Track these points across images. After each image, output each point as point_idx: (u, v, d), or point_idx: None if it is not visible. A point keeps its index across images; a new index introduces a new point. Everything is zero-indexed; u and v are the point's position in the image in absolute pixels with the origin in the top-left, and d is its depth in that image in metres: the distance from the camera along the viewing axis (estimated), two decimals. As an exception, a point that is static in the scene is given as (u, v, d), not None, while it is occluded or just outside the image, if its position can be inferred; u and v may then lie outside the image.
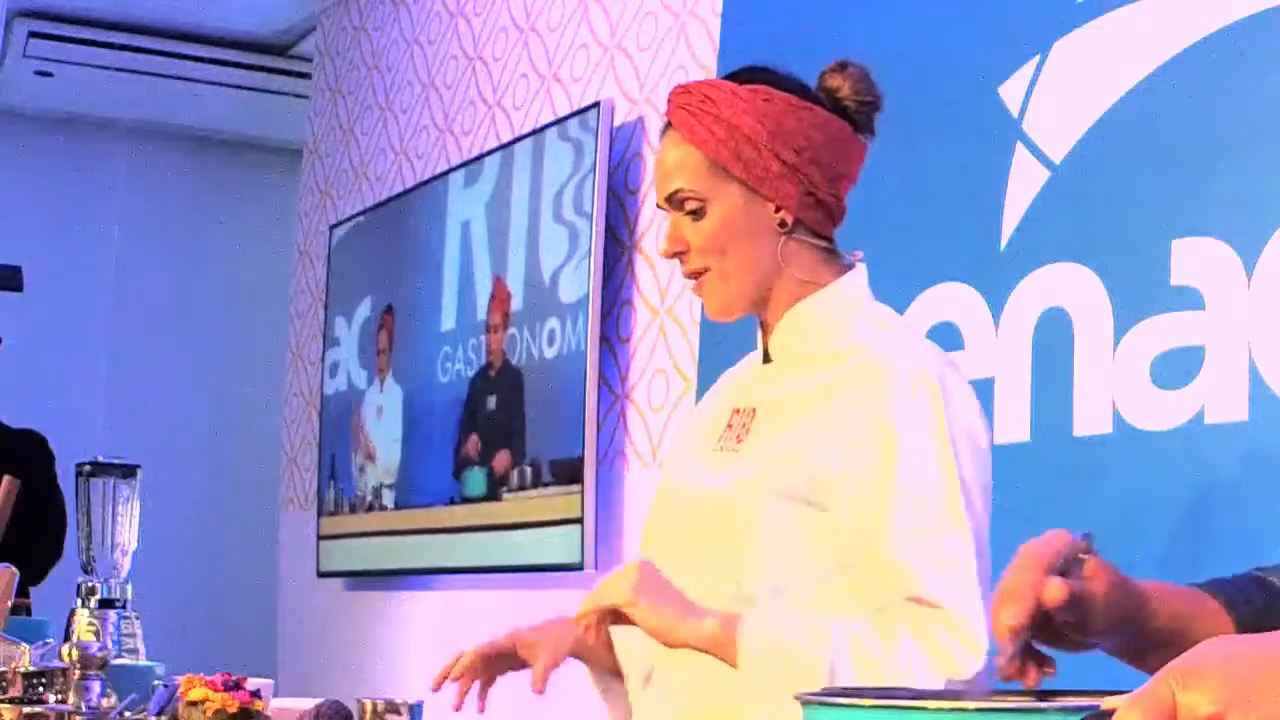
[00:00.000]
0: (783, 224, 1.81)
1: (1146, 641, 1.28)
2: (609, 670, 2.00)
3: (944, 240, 2.94)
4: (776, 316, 1.85)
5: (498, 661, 2.00)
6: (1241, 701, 0.82)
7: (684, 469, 1.90)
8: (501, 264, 4.61)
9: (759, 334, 1.90)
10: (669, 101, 1.87)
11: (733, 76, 1.86)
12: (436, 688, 1.98)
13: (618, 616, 1.72)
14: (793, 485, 1.73)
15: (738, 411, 1.86)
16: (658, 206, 1.88)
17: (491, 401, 4.59)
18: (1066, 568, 1.22)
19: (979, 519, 1.69)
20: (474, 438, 4.65)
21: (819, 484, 1.71)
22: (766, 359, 1.88)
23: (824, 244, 1.84)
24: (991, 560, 1.72)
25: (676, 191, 1.82)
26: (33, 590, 3.98)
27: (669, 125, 1.86)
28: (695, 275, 1.85)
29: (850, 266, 1.87)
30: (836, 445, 1.72)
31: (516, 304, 4.50)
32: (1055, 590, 1.20)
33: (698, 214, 1.82)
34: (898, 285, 3.01)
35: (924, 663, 1.62)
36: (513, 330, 4.50)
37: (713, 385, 2.04)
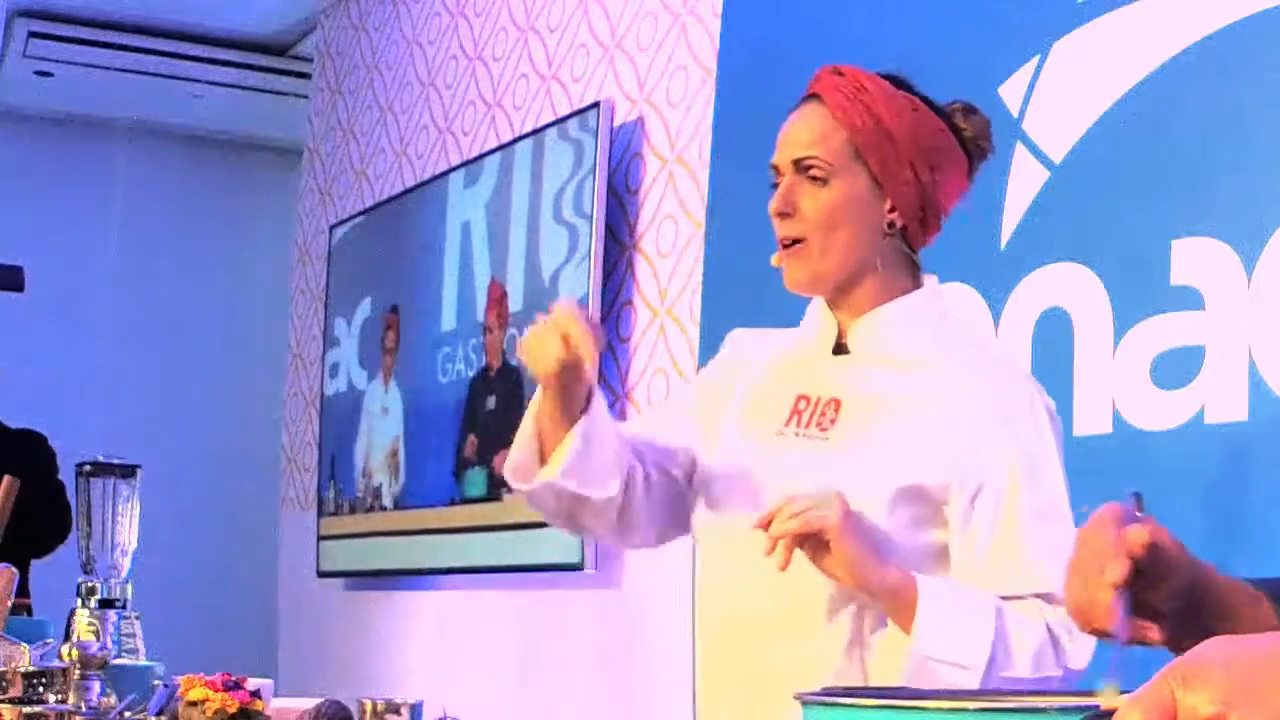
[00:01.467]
0: (890, 225, 1.87)
1: (1210, 611, 1.27)
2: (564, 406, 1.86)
3: (944, 240, 2.93)
4: (859, 311, 1.89)
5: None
6: (1243, 702, 0.82)
7: (749, 450, 1.90)
8: (501, 264, 4.61)
9: (822, 323, 1.92)
10: (819, 78, 1.91)
11: (889, 75, 1.92)
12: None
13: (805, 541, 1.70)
14: (919, 479, 1.78)
15: (805, 398, 1.88)
16: (772, 166, 1.92)
17: (491, 402, 4.59)
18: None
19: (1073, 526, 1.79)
20: (474, 438, 4.65)
21: (943, 481, 1.78)
22: (839, 350, 1.91)
23: (913, 256, 1.91)
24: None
25: (809, 158, 1.87)
26: (33, 591, 3.98)
27: (815, 98, 1.89)
28: (792, 241, 1.89)
29: (922, 283, 1.94)
30: (964, 445, 1.78)
31: (515, 304, 4.50)
32: (1137, 535, 1.19)
33: (821, 182, 1.86)
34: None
35: (1055, 653, 1.72)
36: (512, 330, 4.50)
37: (736, 347, 2.01)
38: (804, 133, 1.88)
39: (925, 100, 1.91)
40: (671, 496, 1.96)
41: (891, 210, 1.86)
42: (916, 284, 1.92)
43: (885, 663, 1.76)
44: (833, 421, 1.85)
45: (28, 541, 3.92)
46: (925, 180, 1.86)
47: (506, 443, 2.06)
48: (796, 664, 1.77)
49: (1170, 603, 1.22)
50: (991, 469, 1.78)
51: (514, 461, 1.95)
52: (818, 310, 1.94)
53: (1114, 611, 1.15)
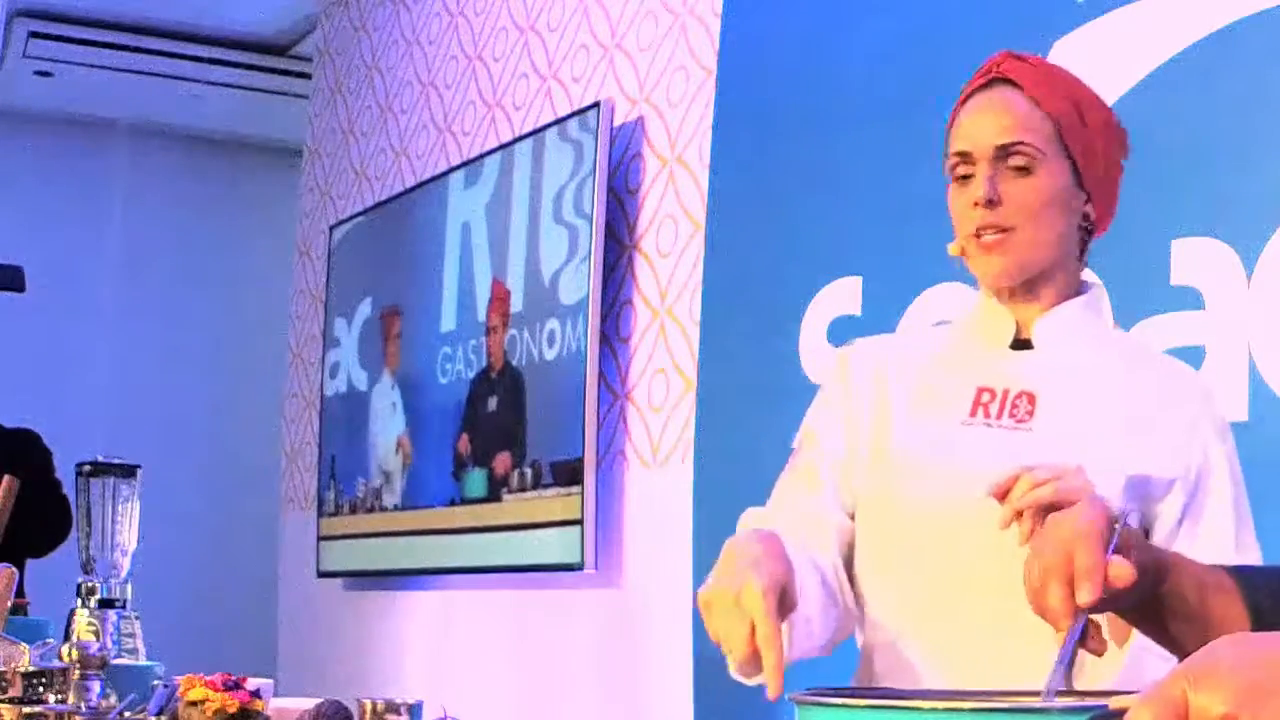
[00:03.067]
0: (1085, 218, 1.84)
1: (1166, 611, 1.27)
2: None
3: (944, 240, 2.93)
4: (1047, 304, 1.84)
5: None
6: (1254, 703, 0.82)
7: (933, 440, 1.81)
8: (502, 265, 4.61)
9: (992, 318, 1.85)
10: (1001, 63, 1.83)
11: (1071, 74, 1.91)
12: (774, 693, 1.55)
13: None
14: (1144, 470, 1.75)
15: (989, 391, 1.81)
16: (957, 154, 1.83)
17: (492, 402, 4.59)
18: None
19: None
20: (474, 439, 4.66)
21: (1168, 476, 1.77)
22: (1019, 345, 1.84)
23: (1083, 253, 1.88)
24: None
25: (1017, 143, 1.78)
26: (32, 591, 3.98)
27: (1005, 83, 1.82)
28: (996, 230, 1.81)
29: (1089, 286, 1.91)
30: (1184, 445, 1.78)
31: (516, 304, 4.50)
32: (1122, 573, 1.18)
33: (1026, 170, 1.79)
34: (898, 285, 3.01)
35: None
36: (513, 331, 4.50)
37: (869, 358, 1.93)
38: (1005, 117, 1.79)
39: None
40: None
41: (1087, 203, 1.83)
42: (1084, 286, 1.88)
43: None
44: (1029, 414, 1.78)
45: (26, 542, 3.92)
46: (1116, 179, 1.85)
47: (507, 444, 2.06)
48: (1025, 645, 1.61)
49: (1128, 609, 1.23)
50: (1210, 470, 1.79)
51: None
52: (984, 304, 1.87)
53: (1072, 626, 1.15)
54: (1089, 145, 1.80)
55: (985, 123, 1.80)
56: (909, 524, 1.81)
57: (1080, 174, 1.80)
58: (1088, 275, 1.88)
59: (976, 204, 1.80)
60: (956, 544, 1.74)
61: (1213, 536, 1.77)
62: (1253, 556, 1.77)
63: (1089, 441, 1.75)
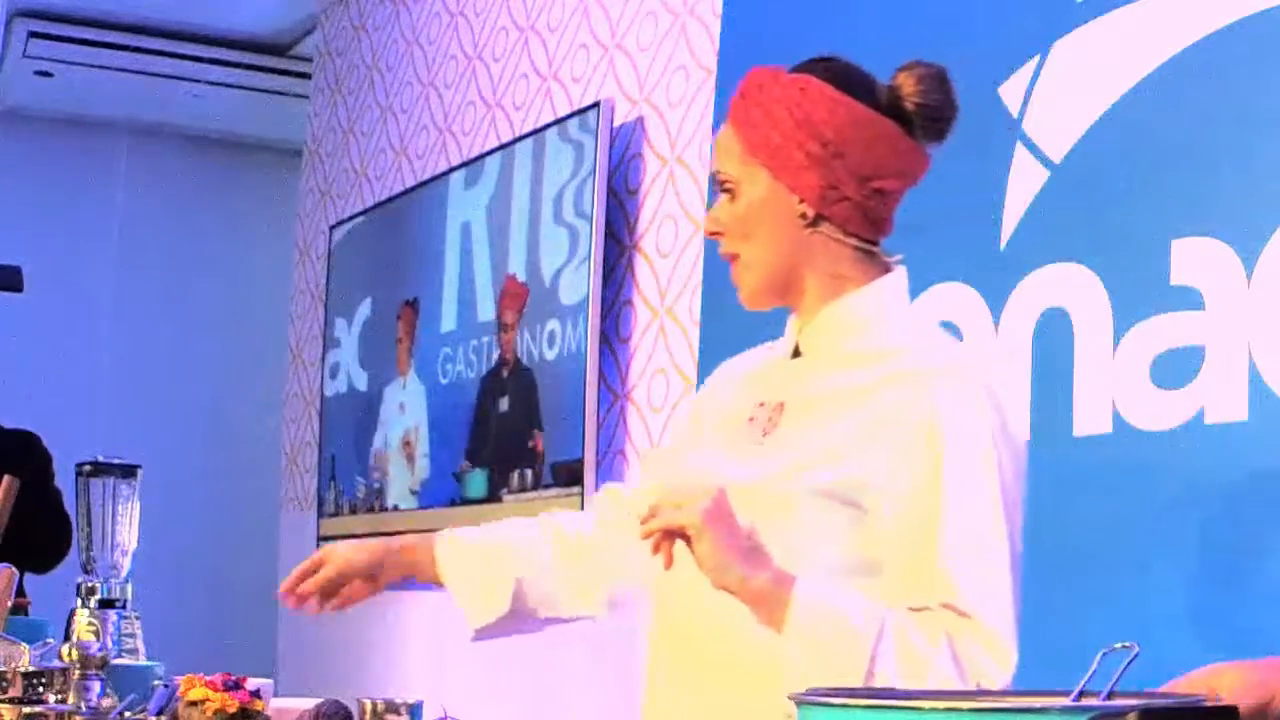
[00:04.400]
0: (803, 216, 1.79)
1: None
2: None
3: (944, 240, 2.94)
4: (808, 311, 1.83)
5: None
6: None
7: (704, 460, 1.85)
8: (502, 265, 4.61)
9: (788, 329, 1.88)
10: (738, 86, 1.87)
11: (799, 65, 1.84)
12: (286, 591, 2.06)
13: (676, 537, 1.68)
14: (831, 482, 1.70)
15: (761, 405, 1.83)
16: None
17: (503, 402, 4.59)
18: None
19: (1015, 531, 1.68)
20: (476, 439, 4.66)
21: (858, 484, 1.69)
22: (796, 353, 1.86)
23: (856, 243, 1.80)
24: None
25: (717, 173, 1.83)
26: (33, 590, 3.98)
27: (729, 114, 1.86)
28: (728, 259, 1.85)
29: (889, 269, 1.84)
30: (881, 447, 1.70)
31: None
32: None
33: (731, 196, 1.81)
34: (897, 285, 3.01)
35: (957, 669, 1.61)
36: (523, 328, 4.51)
37: (715, 375, 2.02)
38: (717, 147, 1.84)
39: (835, 72, 1.81)
40: None
41: (800, 201, 1.78)
42: (877, 270, 1.82)
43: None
44: (775, 425, 1.79)
45: (26, 555, 3.91)
46: (822, 157, 1.76)
47: (518, 442, 2.15)
48: (743, 664, 1.73)
49: None
50: (911, 473, 1.69)
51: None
52: (789, 317, 1.90)
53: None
54: (776, 143, 1.78)
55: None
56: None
57: (778, 177, 1.78)
58: (894, 263, 1.84)
59: (706, 234, 1.88)
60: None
61: (893, 550, 1.70)
62: (950, 575, 1.66)
63: (789, 453, 1.75)
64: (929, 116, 1.80)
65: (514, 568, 2.08)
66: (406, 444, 5.12)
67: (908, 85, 1.79)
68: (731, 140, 1.82)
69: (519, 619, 2.12)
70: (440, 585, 2.13)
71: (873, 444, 1.70)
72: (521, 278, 4.50)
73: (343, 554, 2.07)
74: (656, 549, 1.67)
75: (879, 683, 1.58)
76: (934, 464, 1.67)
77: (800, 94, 1.77)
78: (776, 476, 1.73)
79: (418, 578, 2.13)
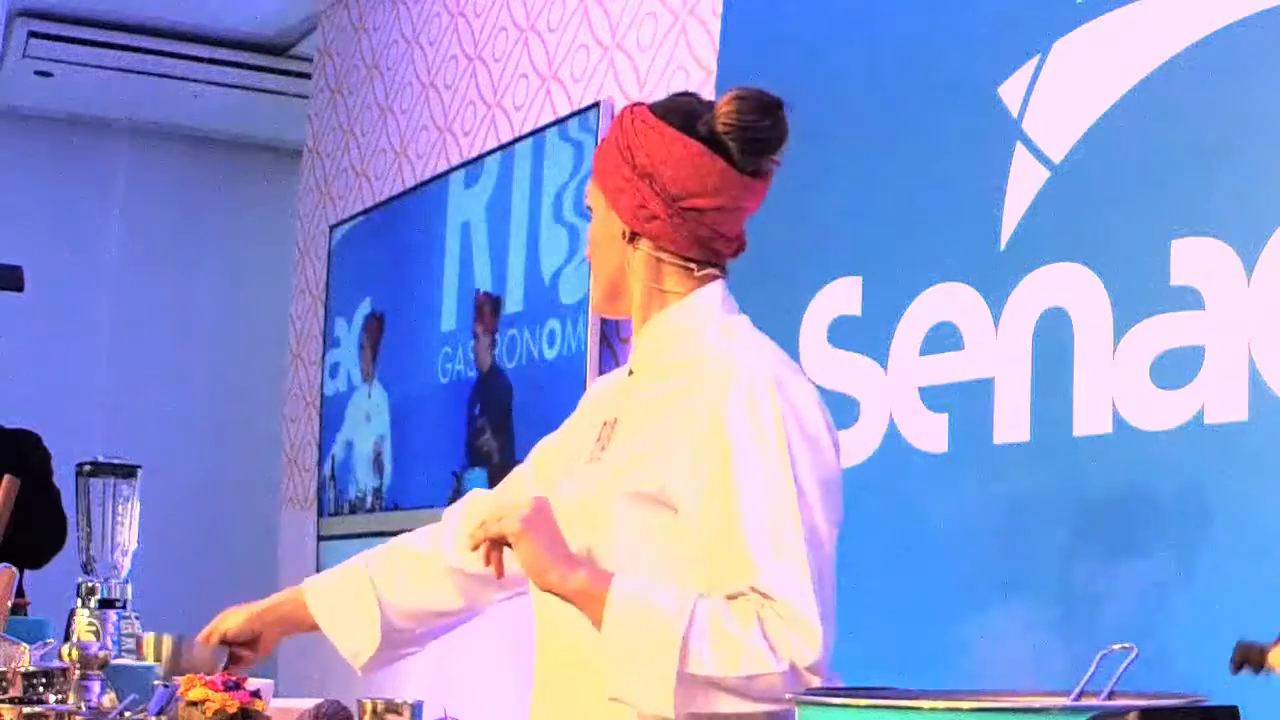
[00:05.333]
0: (623, 233, 1.93)
1: None
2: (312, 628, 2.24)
3: (944, 240, 2.94)
4: (638, 328, 1.97)
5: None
6: None
7: (560, 482, 1.99)
8: (501, 265, 4.61)
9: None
10: None
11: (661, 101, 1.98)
12: None
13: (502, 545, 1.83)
14: (642, 486, 1.82)
15: (606, 424, 1.96)
16: None
17: (490, 403, 4.59)
18: None
19: (814, 514, 1.76)
20: (475, 438, 4.66)
21: (666, 485, 1.81)
22: (631, 371, 1.99)
23: (672, 259, 1.92)
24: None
25: (584, 196, 2.02)
26: (33, 590, 3.98)
27: None
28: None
29: (706, 283, 1.95)
30: (681, 448, 1.81)
31: (515, 305, 4.51)
32: None
33: (589, 216, 1.99)
34: (898, 285, 3.01)
35: (769, 646, 1.69)
36: (512, 331, 4.51)
37: (582, 400, 2.14)
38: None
39: (668, 104, 1.94)
40: None
41: (620, 219, 1.93)
42: (699, 284, 1.94)
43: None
44: (610, 441, 1.93)
45: (22, 551, 3.91)
46: (631, 178, 1.90)
47: (506, 444, 2.23)
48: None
49: None
50: (708, 469, 1.79)
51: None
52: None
53: None
54: (605, 166, 1.94)
55: None
56: None
57: (606, 198, 1.94)
58: (709, 280, 1.95)
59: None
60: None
61: (702, 544, 1.79)
62: (754, 559, 1.74)
63: (608, 464, 1.88)
64: (744, 138, 1.90)
65: (374, 599, 2.24)
66: (377, 454, 5.15)
67: (721, 109, 1.91)
68: (592, 168, 2.00)
69: (395, 645, 2.31)
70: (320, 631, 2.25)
71: (674, 447, 1.81)
72: (510, 281, 4.50)
73: (221, 626, 2.26)
74: (487, 560, 1.84)
75: (693, 667, 1.69)
76: (725, 460, 1.77)
77: (629, 125, 1.93)
78: (599, 486, 1.87)
79: (299, 630, 2.28)
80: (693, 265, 1.93)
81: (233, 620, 2.24)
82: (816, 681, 1.66)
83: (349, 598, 2.22)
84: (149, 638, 2.29)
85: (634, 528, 1.83)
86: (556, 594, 1.78)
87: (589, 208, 1.99)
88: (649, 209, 1.90)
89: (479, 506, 2.15)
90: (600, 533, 1.85)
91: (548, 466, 2.10)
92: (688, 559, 1.81)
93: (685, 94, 2.00)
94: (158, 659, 2.27)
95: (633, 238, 1.92)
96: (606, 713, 1.81)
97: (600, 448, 1.93)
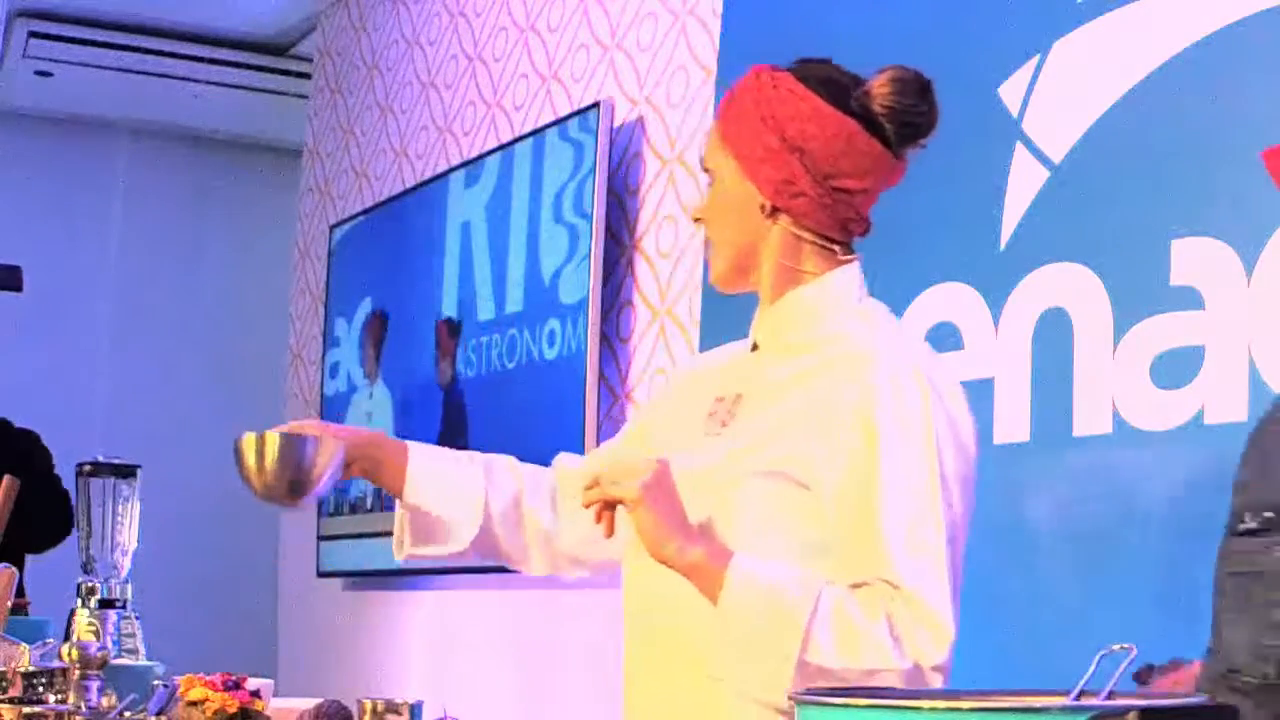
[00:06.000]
0: (763, 207, 1.84)
1: None
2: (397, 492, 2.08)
3: (944, 240, 2.94)
4: (766, 304, 1.88)
5: None
6: None
7: (675, 456, 1.87)
8: (501, 264, 4.61)
9: (752, 323, 1.93)
10: None
11: (792, 62, 1.88)
12: None
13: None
14: (775, 462, 1.74)
15: (720, 399, 1.87)
16: None
17: (493, 403, 4.59)
18: None
19: (955, 511, 1.70)
20: (475, 438, 4.66)
21: (801, 463, 1.73)
22: (755, 347, 1.90)
23: (812, 238, 1.84)
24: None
25: (702, 160, 1.93)
26: (33, 590, 3.98)
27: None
28: (708, 242, 1.93)
29: (843, 264, 1.88)
30: (817, 427, 1.73)
31: (515, 305, 4.51)
32: None
33: (711, 183, 1.90)
34: (898, 285, 3.01)
35: (895, 644, 1.63)
36: (512, 331, 4.51)
37: (671, 380, 2.07)
38: (707, 140, 1.94)
39: (811, 71, 1.85)
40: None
41: (759, 192, 1.84)
42: (833, 265, 1.86)
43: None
44: (733, 416, 1.84)
45: (26, 538, 3.92)
46: (779, 150, 1.81)
47: (506, 444, 2.15)
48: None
49: None
50: (849, 454, 1.71)
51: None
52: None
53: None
54: (744, 134, 1.84)
55: None
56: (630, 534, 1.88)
57: (741, 167, 1.86)
58: (846, 259, 1.87)
59: (692, 218, 1.96)
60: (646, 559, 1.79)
61: (837, 529, 1.72)
62: (889, 550, 1.67)
63: (740, 439, 1.80)
64: (900, 121, 1.84)
65: (480, 512, 2.09)
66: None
67: (879, 89, 1.83)
68: (713, 132, 1.91)
69: (476, 550, 2.13)
70: (390, 492, 2.12)
71: (813, 426, 1.74)
72: (508, 280, 4.50)
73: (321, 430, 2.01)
74: (598, 518, 1.75)
75: (813, 655, 1.62)
76: (870, 445, 1.70)
77: (771, 90, 1.83)
78: (727, 460, 1.79)
79: (373, 479, 2.12)
80: (835, 246, 1.85)
81: (334, 434, 2.00)
82: (939, 682, 1.61)
83: (457, 498, 2.09)
84: (248, 438, 1.89)
85: (763, 505, 1.74)
86: (672, 566, 1.69)
87: (708, 170, 1.91)
88: (797, 185, 1.81)
89: (585, 469, 2.02)
90: (725, 508, 1.76)
91: (648, 441, 1.98)
92: (816, 540, 1.74)
93: (822, 61, 1.88)
94: (257, 465, 1.90)
95: (773, 212, 1.83)
96: (703, 690, 1.74)
97: (720, 423, 1.84)
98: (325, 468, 1.91)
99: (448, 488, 2.05)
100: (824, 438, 1.73)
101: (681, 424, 1.92)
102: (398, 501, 2.05)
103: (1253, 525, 1.41)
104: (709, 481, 1.78)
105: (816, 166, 1.81)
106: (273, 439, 1.89)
